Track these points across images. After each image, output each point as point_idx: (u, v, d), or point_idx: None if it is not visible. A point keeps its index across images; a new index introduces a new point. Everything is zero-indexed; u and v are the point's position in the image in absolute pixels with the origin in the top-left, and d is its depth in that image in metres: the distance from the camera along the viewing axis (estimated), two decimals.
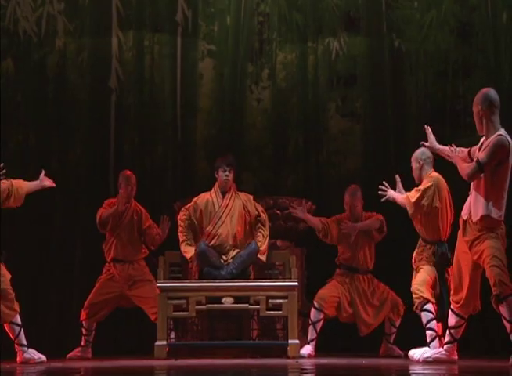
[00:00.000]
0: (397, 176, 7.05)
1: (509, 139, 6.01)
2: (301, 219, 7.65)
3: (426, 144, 6.48)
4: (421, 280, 6.80)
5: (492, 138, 6.01)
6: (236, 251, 7.32)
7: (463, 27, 9.02)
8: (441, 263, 6.77)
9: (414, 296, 6.78)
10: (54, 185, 7.17)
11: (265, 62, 9.16)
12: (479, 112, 6.08)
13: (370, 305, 7.56)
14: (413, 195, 6.86)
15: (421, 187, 6.88)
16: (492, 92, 6.12)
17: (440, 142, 6.48)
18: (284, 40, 9.16)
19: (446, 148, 6.39)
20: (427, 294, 6.74)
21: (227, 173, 7.45)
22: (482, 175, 6.00)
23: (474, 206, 6.06)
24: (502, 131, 6.03)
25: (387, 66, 9.05)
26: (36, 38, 8.96)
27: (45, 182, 7.11)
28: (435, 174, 6.92)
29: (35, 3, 8.98)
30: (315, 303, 7.52)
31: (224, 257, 7.31)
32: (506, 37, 8.90)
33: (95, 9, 9.01)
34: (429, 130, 6.46)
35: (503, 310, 5.91)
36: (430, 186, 6.83)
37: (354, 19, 9.14)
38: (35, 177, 7.12)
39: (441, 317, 6.70)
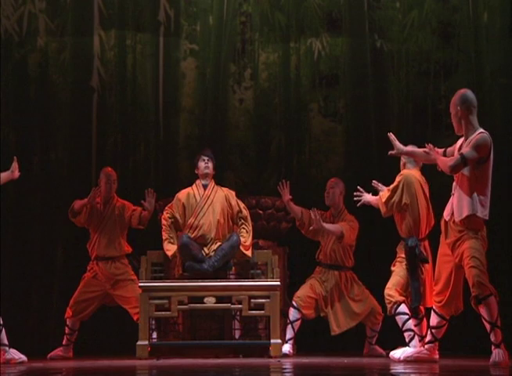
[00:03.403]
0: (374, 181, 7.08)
1: (489, 137, 6.06)
2: (284, 201, 7.62)
3: (393, 152, 6.47)
4: (391, 283, 6.84)
5: (475, 135, 6.05)
6: (218, 243, 7.32)
7: (445, 28, 9.06)
8: (411, 258, 6.75)
9: (386, 302, 6.83)
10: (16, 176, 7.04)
11: (247, 62, 9.16)
12: (457, 113, 6.12)
13: (346, 305, 7.55)
14: (384, 195, 6.90)
15: (391, 186, 6.92)
16: (469, 92, 6.16)
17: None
18: (266, 40, 9.16)
19: (417, 149, 6.44)
20: (396, 297, 6.77)
21: (206, 161, 7.49)
22: (465, 172, 6.02)
23: (458, 206, 6.07)
24: (483, 130, 6.08)
25: (369, 67, 9.07)
26: (17, 37, 8.92)
27: (16, 173, 7.03)
28: (405, 171, 6.94)
29: (16, 2, 8.94)
30: (293, 302, 7.54)
31: (205, 250, 7.31)
32: (487, 38, 8.94)
33: (76, 8, 8.98)
34: (392, 136, 6.45)
35: (483, 311, 5.93)
36: (398, 184, 6.87)
37: (336, 20, 9.16)
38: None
39: (414, 314, 6.74)
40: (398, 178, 6.91)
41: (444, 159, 6.10)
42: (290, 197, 7.62)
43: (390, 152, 6.51)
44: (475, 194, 6.02)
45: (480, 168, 6.03)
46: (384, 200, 6.86)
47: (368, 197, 7.05)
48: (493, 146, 6.12)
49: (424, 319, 6.78)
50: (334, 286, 7.58)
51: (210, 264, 7.19)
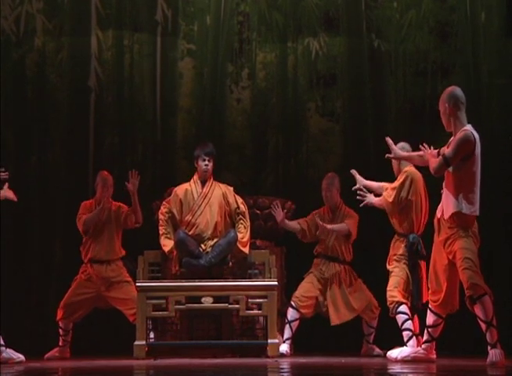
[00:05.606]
0: (352, 170, 7.12)
1: (474, 134, 6.06)
2: (278, 222, 7.66)
3: (390, 156, 6.53)
4: (392, 284, 6.88)
5: (458, 133, 6.06)
6: (215, 240, 7.32)
7: (442, 28, 9.06)
8: (412, 254, 6.81)
9: (388, 302, 6.86)
10: (15, 199, 7.00)
11: (244, 62, 9.16)
12: (446, 110, 6.14)
13: (345, 297, 7.55)
14: (390, 194, 6.94)
15: (396, 184, 6.97)
16: (457, 89, 6.18)
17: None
18: (264, 40, 9.16)
19: (412, 153, 6.50)
20: (399, 297, 6.81)
21: (206, 162, 7.46)
22: (450, 169, 6.03)
23: (445, 203, 6.11)
24: (468, 127, 6.08)
25: (366, 66, 9.07)
26: (15, 38, 8.92)
27: (8, 194, 6.95)
28: (409, 168, 6.99)
29: (14, 2, 8.94)
30: (292, 302, 7.54)
31: (202, 246, 7.31)
32: (484, 38, 8.95)
33: (74, 8, 8.97)
34: (390, 141, 6.51)
35: (478, 310, 5.94)
36: (405, 180, 6.94)
37: (333, 19, 9.16)
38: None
39: (413, 312, 6.77)
40: (402, 175, 6.97)
41: (431, 161, 6.12)
42: (286, 206, 7.63)
43: (387, 155, 6.55)
44: (461, 191, 6.03)
45: (465, 166, 6.03)
46: (391, 199, 6.90)
47: (371, 198, 7.08)
48: (484, 144, 6.13)
49: (415, 317, 6.82)
50: (335, 276, 7.59)
51: (207, 260, 7.19)
